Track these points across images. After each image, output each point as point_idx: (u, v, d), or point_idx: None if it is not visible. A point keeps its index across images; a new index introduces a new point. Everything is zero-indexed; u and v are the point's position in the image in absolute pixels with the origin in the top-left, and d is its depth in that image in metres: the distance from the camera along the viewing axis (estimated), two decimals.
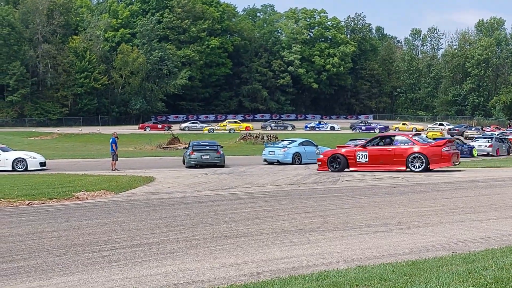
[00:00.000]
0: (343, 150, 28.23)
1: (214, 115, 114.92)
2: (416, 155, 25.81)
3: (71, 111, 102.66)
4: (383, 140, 28.13)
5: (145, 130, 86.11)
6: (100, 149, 56.25)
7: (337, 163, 27.46)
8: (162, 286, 7.95)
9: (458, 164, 28.07)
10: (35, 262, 9.58)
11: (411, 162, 25.90)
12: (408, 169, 25.96)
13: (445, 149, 25.88)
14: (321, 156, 28.77)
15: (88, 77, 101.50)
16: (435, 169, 26.26)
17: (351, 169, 27.36)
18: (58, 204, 17.45)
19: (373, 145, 27.70)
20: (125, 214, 15.03)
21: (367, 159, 27.01)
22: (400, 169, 26.13)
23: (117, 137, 33.09)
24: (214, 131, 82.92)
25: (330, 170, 27.36)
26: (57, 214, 15.37)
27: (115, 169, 30.62)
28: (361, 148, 27.45)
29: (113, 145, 31.76)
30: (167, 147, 55.46)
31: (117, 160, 31.59)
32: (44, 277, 8.60)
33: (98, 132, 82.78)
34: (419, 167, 25.74)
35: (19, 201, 17.58)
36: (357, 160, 27.11)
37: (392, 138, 28.00)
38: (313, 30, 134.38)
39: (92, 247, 10.74)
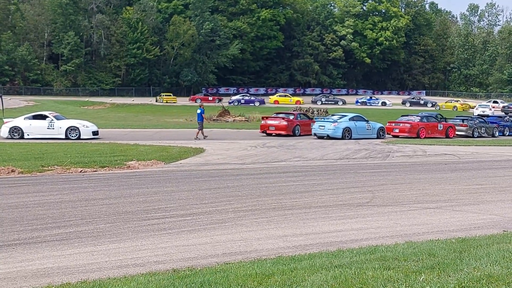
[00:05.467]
0: None
1: (264, 89, 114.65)
2: None
3: (123, 82, 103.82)
4: None
5: (196, 102, 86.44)
6: (152, 120, 56.85)
7: None
8: (210, 255, 8.05)
9: None
10: (86, 228, 9.80)
11: None
12: None
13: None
14: None
15: (141, 48, 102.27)
16: None
17: None
18: (109, 173, 17.75)
19: None
20: (175, 184, 15.21)
21: None
22: None
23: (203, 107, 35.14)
24: None
25: None
26: (109, 182, 15.65)
27: (197, 138, 32.06)
28: None
29: (203, 115, 33.49)
30: (217, 119, 55.62)
31: (202, 129, 33.13)
32: (95, 243, 8.79)
33: (150, 103, 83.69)
34: None
35: (72, 169, 17.92)
36: None
37: None
38: (366, 4, 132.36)
39: (143, 215, 10.91)
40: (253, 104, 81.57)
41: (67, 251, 8.34)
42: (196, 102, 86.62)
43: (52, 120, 31.01)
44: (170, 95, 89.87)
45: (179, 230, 9.62)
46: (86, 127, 31.39)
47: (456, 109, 79.10)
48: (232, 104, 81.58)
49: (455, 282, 5.73)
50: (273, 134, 36.64)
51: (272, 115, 40.10)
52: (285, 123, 36.73)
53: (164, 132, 38.86)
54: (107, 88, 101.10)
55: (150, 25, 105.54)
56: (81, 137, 30.55)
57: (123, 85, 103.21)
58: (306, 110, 65.06)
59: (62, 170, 17.74)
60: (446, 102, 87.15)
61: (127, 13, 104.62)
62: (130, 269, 7.31)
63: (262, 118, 40.06)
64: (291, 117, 37.91)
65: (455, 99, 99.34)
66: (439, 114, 45.73)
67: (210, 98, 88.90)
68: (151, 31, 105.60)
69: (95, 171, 17.90)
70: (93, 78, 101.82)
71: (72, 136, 30.51)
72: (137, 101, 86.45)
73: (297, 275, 6.31)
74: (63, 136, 30.49)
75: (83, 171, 17.74)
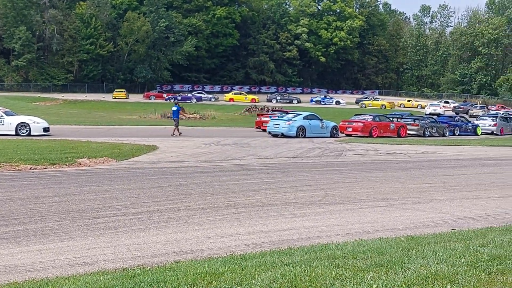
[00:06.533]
0: None
1: (220, 86, 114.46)
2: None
3: (76, 78, 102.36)
4: None
5: (150, 99, 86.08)
6: (105, 117, 56.25)
7: None
8: (161, 253, 8.00)
9: None
10: (35, 226, 9.63)
11: None
12: None
13: None
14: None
15: (94, 44, 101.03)
16: None
17: None
18: (60, 170, 17.47)
19: None
20: (127, 182, 15.05)
21: None
22: None
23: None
24: None
25: None
26: (59, 179, 15.40)
27: (180, 133, 33.78)
28: None
29: (180, 111, 35.25)
30: (171, 117, 55.28)
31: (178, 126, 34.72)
32: (44, 241, 8.65)
33: (103, 99, 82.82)
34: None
35: (21, 166, 17.59)
36: None
37: None
38: (321, 3, 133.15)
39: (93, 213, 10.78)
40: (189, 101, 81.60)
41: (15, 249, 8.18)
42: (150, 99, 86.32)
43: (2, 116, 30.46)
44: (121, 91, 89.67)
45: (129, 229, 9.53)
46: (36, 124, 30.90)
47: (384, 107, 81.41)
48: (168, 101, 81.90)
49: (402, 280, 5.80)
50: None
51: (268, 113, 44.90)
52: None
53: (117, 129, 38.54)
54: (59, 84, 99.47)
55: (104, 20, 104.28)
56: (32, 133, 30.06)
57: (76, 81, 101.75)
58: (261, 109, 65.38)
59: (11, 167, 17.41)
60: (372, 101, 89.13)
61: (80, 8, 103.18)
62: (78, 268, 7.20)
63: (258, 115, 44.54)
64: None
65: (382, 97, 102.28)
66: (410, 114, 47.45)
67: (165, 95, 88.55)
68: (105, 27, 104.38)
69: (45, 168, 17.61)
70: (45, 73, 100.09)
71: (23, 133, 30.00)
72: (90, 98, 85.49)
73: (247, 273, 6.31)
74: (13, 133, 29.97)
75: (32, 168, 17.44)
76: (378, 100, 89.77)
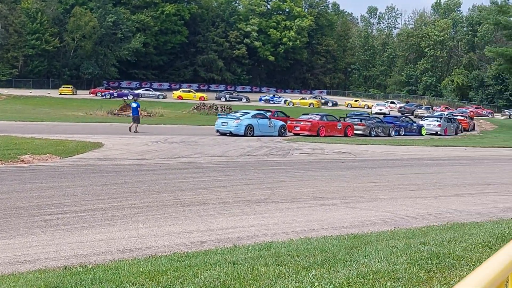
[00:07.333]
0: None
1: (168, 84, 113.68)
2: None
3: (21, 73, 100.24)
4: None
5: (96, 96, 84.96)
6: (50, 113, 55.27)
7: None
8: (104, 252, 7.91)
9: None
10: None
11: None
12: None
13: None
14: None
15: (40, 39, 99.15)
16: None
17: None
18: (2, 167, 17.09)
19: None
20: (71, 179, 14.82)
21: None
22: None
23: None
24: None
25: None
26: (1, 176, 15.06)
27: (136, 131, 33.79)
28: None
29: (138, 109, 35.25)
30: (118, 114, 54.72)
31: (139, 123, 34.92)
32: None
33: (49, 95, 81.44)
34: None
35: None
36: None
37: None
38: (270, 2, 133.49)
39: (35, 210, 10.59)
40: (126, 98, 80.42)
41: None
42: (96, 95, 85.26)
43: None
44: (68, 87, 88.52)
45: (72, 227, 9.40)
46: None
47: (313, 106, 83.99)
48: (104, 97, 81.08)
49: (343, 277, 5.87)
50: None
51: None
52: None
53: (62, 125, 37.90)
54: (3, 79, 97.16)
55: (50, 15, 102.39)
56: None
57: (21, 77, 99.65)
58: (210, 107, 65.27)
59: None
60: (300, 99, 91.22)
61: (26, 2, 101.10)
62: (19, 266, 7.08)
63: None
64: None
65: (307, 95, 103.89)
66: (368, 114, 48.83)
67: (112, 92, 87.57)
68: (51, 22, 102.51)
69: None
70: None
71: None
72: (35, 93, 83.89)
73: (190, 271, 6.29)
74: None
75: None
76: (306, 99, 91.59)
